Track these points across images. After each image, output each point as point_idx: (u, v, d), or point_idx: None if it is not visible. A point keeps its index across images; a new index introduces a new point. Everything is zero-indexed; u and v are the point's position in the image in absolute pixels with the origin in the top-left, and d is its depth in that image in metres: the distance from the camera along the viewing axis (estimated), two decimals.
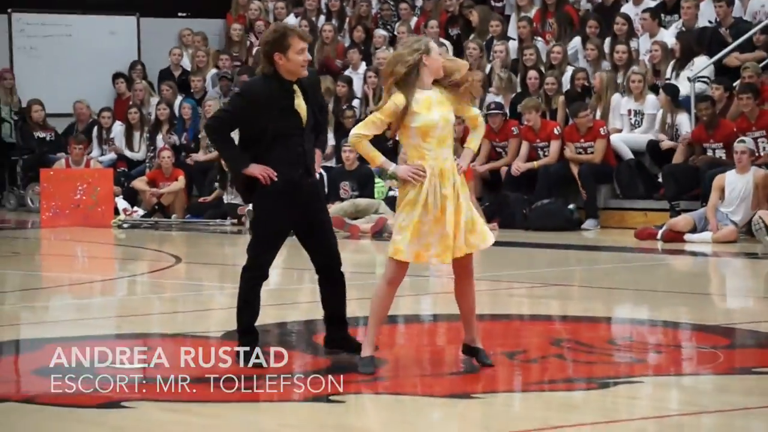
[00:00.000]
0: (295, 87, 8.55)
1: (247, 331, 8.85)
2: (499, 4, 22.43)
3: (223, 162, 8.16)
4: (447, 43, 20.87)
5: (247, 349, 8.68)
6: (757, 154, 17.05)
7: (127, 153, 22.57)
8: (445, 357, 9.43)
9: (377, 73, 21.18)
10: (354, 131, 8.47)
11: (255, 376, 8.41)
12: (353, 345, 8.89)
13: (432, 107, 8.35)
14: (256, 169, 8.50)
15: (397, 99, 8.31)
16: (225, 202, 20.40)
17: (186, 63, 24.03)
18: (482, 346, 8.60)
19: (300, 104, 8.55)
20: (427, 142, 8.34)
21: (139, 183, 21.27)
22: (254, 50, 23.28)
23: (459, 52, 21.02)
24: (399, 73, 8.29)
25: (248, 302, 8.90)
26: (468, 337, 8.66)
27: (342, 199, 19.02)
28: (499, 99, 19.95)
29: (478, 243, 8.52)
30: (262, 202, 8.64)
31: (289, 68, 8.49)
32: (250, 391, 8.24)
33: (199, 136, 21.76)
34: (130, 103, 23.04)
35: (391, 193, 19.11)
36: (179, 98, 22.88)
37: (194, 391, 8.17)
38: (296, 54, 8.46)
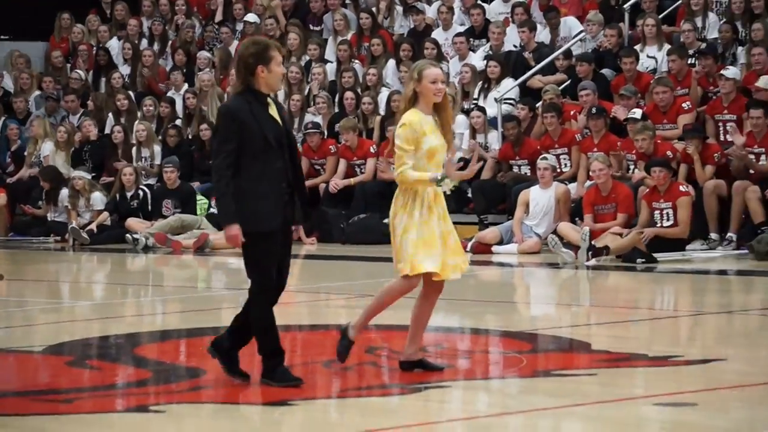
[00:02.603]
0: (269, 100, 8.32)
1: (276, 353, 8.31)
2: (318, 28, 22.50)
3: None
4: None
5: (283, 368, 8.28)
6: (558, 171, 17.39)
7: None
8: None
9: (196, 94, 21.06)
10: (397, 171, 8.35)
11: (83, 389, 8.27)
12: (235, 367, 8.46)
13: (435, 131, 8.40)
14: (233, 231, 8.06)
15: (411, 122, 8.33)
16: (49, 219, 20.12)
17: (8, 84, 23.64)
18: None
19: (275, 115, 8.31)
20: (431, 164, 8.37)
21: None
22: (73, 73, 22.96)
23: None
24: (401, 109, 8.45)
25: (269, 325, 8.32)
26: (412, 350, 8.65)
27: (164, 216, 18.93)
28: (317, 119, 20.01)
29: (464, 266, 8.61)
30: (265, 221, 8.17)
31: (269, 81, 8.26)
32: (71, 403, 8.13)
33: (26, 153, 21.48)
34: None
35: (211, 211, 19.07)
36: (2, 119, 22.51)
37: (16, 404, 8.05)
38: (277, 66, 8.27)
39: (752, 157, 16.23)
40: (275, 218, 8.20)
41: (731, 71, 17.20)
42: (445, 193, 8.53)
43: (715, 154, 16.45)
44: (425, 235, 8.43)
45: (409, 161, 8.37)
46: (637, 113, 17.10)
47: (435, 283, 8.62)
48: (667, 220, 15.73)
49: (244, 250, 8.32)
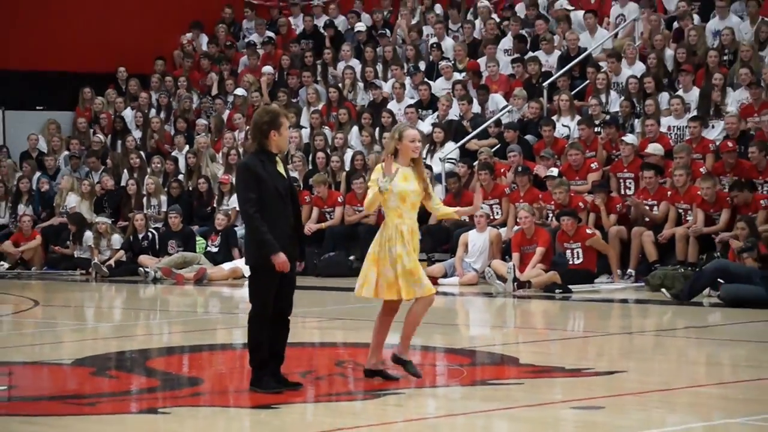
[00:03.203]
0: (278, 158, 8.27)
1: (264, 365, 8.24)
2: (294, 100, 22.51)
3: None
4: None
5: (269, 378, 8.21)
6: (491, 218, 17.45)
7: None
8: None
9: (195, 154, 21.03)
10: (365, 204, 8.54)
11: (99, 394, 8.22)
12: (282, 382, 8.29)
13: (409, 179, 8.39)
14: (281, 258, 8.01)
15: (377, 172, 8.44)
16: (75, 256, 20.03)
17: (42, 146, 23.54)
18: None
19: (282, 171, 8.25)
20: (405, 205, 8.38)
21: (5, 245, 20.70)
22: (95, 137, 22.91)
23: None
24: (384, 158, 8.46)
25: (261, 342, 8.22)
26: (374, 361, 8.61)
27: (170, 254, 18.89)
28: (295, 174, 20.02)
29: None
30: (265, 259, 8.08)
31: (279, 143, 8.21)
32: (94, 406, 8.09)
33: (54, 204, 21.39)
34: None
35: (208, 249, 19.06)
36: (36, 175, 22.41)
37: (49, 407, 8.00)
38: (286, 130, 8.22)
39: (647, 207, 16.36)
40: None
41: (630, 138, 17.34)
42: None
43: (618, 205, 16.56)
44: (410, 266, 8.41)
45: (370, 193, 8.47)
46: (555, 171, 17.20)
47: (392, 304, 8.64)
48: (577, 258, 15.83)
49: (249, 279, 8.30)
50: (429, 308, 8.61)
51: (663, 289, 13.95)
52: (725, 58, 18.52)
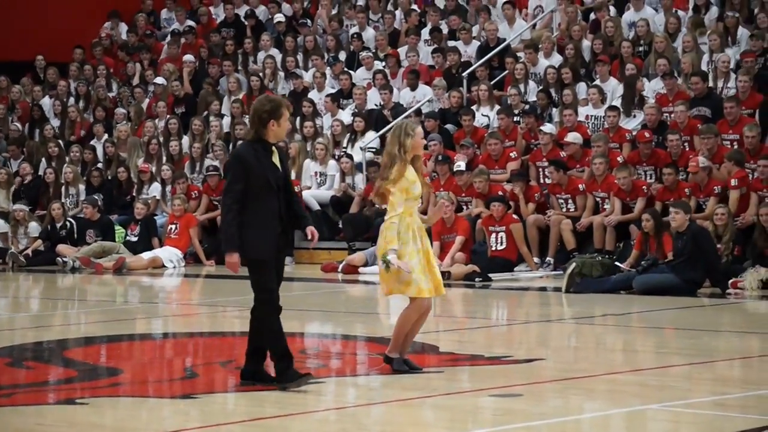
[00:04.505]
0: (274, 149, 8.04)
1: (286, 355, 8.00)
2: (217, 88, 22.29)
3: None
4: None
5: (294, 370, 7.97)
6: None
7: None
8: (172, 366, 9.29)
9: (113, 143, 20.75)
10: (390, 216, 8.22)
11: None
12: (267, 378, 8.01)
13: (416, 180, 8.31)
14: (233, 259, 7.83)
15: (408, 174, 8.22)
16: None
17: None
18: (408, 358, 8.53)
19: (276, 162, 8.00)
20: (416, 203, 8.33)
21: None
22: (12, 125, 22.51)
23: (185, 127, 20.80)
24: (387, 161, 8.27)
25: (276, 330, 7.99)
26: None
27: (88, 243, 18.62)
28: (216, 163, 19.84)
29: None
30: (262, 250, 7.90)
31: (278, 133, 7.98)
32: (10, 397, 7.92)
33: None
34: None
35: (127, 238, 18.83)
36: None
37: None
38: (285, 121, 8.00)
39: (562, 201, 16.43)
40: (269, 248, 7.95)
41: (548, 127, 17.44)
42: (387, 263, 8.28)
43: (536, 194, 16.65)
44: (422, 263, 8.31)
45: (399, 208, 8.26)
46: (462, 166, 17.17)
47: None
48: (500, 243, 15.89)
49: (249, 272, 8.03)
50: (420, 313, 8.41)
51: (566, 274, 13.87)
52: (640, 48, 18.70)
